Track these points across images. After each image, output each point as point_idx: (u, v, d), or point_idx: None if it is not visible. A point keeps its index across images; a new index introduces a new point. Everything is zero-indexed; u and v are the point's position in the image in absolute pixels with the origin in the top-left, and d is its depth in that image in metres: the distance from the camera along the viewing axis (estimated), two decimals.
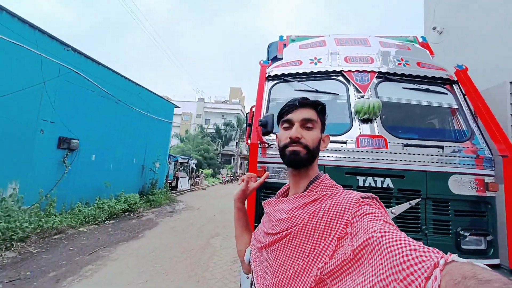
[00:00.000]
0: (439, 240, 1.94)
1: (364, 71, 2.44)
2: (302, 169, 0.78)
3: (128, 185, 9.32)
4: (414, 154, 2.04)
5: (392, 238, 0.48)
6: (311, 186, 0.76)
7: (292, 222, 0.70)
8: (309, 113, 0.78)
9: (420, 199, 1.96)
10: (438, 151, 2.05)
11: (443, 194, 1.98)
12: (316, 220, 0.66)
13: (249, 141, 2.68)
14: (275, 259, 0.70)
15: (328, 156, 2.05)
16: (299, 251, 0.66)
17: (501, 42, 2.99)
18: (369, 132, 2.15)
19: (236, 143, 32.67)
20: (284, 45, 3.23)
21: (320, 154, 0.83)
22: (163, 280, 3.71)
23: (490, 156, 2.08)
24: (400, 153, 2.03)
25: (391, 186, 1.97)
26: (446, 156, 2.05)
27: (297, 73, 2.55)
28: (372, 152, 2.04)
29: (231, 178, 26.83)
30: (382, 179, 1.99)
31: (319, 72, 2.51)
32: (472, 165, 2.04)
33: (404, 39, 3.12)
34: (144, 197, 9.79)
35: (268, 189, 2.10)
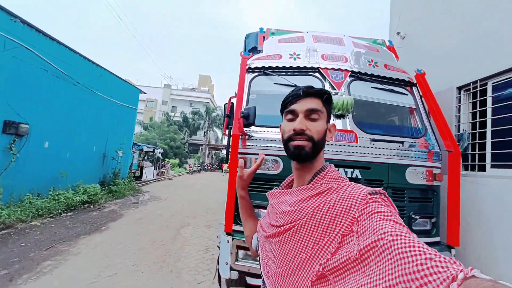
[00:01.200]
0: None
1: (339, 69, 2.60)
2: (306, 163, 0.74)
3: (88, 175, 8.63)
4: (379, 148, 2.28)
5: (405, 243, 0.45)
6: (316, 178, 0.73)
7: (296, 216, 0.69)
8: (314, 103, 0.74)
9: (383, 188, 2.22)
10: (399, 146, 2.32)
11: (401, 183, 2.27)
12: (320, 214, 0.64)
13: (227, 132, 2.71)
14: (279, 250, 0.70)
15: None
16: (302, 244, 0.65)
17: (451, 52, 3.42)
18: (341, 127, 2.33)
19: (204, 132, 31.95)
20: (264, 38, 3.26)
21: None
22: (133, 272, 3.61)
23: (438, 150, 2.42)
24: (368, 147, 2.26)
25: (359, 176, 2.19)
26: (404, 150, 2.33)
27: (277, 67, 2.62)
28: (344, 145, 2.24)
29: (199, 168, 26.34)
30: (352, 170, 2.20)
31: (298, 68, 2.62)
32: (425, 158, 2.36)
33: (374, 41, 3.37)
34: (106, 187, 9.18)
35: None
